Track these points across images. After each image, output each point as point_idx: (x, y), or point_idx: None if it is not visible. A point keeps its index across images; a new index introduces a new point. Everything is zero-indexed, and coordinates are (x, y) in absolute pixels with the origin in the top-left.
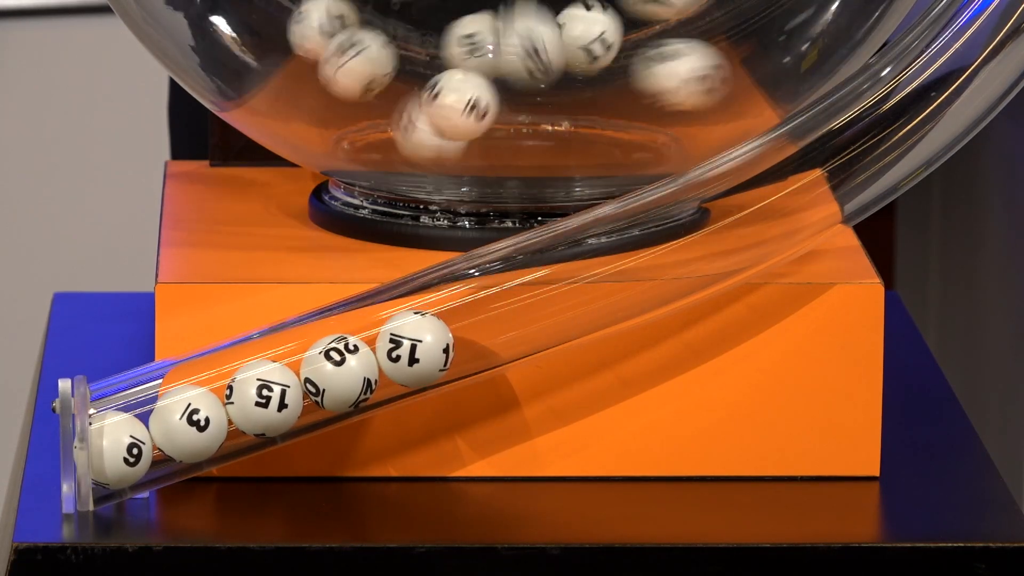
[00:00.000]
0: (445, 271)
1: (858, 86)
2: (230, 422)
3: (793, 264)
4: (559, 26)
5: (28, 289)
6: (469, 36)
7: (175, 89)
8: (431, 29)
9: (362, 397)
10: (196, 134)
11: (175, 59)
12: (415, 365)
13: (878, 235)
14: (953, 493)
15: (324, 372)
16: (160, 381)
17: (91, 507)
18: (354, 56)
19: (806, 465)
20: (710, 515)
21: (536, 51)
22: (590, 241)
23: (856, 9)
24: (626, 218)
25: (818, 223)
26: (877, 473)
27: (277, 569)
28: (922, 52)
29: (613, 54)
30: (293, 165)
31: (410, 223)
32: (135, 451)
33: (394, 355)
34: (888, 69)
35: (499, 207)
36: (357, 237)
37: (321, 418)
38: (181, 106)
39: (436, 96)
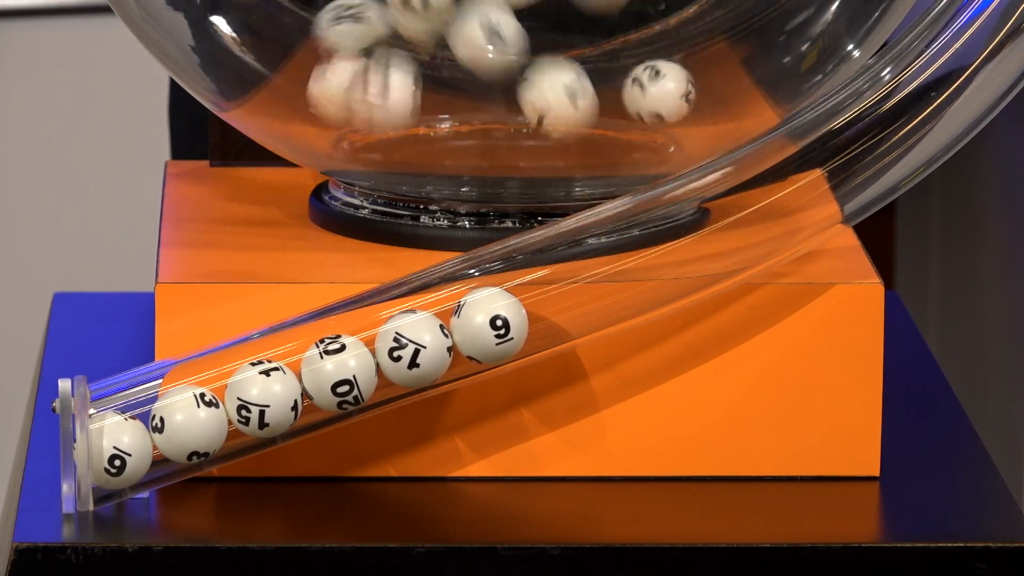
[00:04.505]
0: (445, 271)
1: (858, 86)
2: (230, 422)
3: (793, 264)
4: None
5: (28, 289)
6: None
7: (175, 89)
8: None
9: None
10: (196, 134)
11: (175, 59)
12: (414, 369)
13: (878, 235)
14: (953, 493)
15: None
16: (160, 381)
17: (91, 507)
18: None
19: (806, 465)
20: (710, 515)
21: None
22: (590, 241)
23: (856, 9)
24: (626, 218)
25: (818, 223)
26: (877, 473)
27: (277, 569)
28: (922, 52)
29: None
30: (293, 165)
31: (410, 223)
32: (117, 462)
33: (395, 355)
34: (888, 69)
35: (499, 207)
36: (357, 237)
37: (321, 418)
38: (181, 106)
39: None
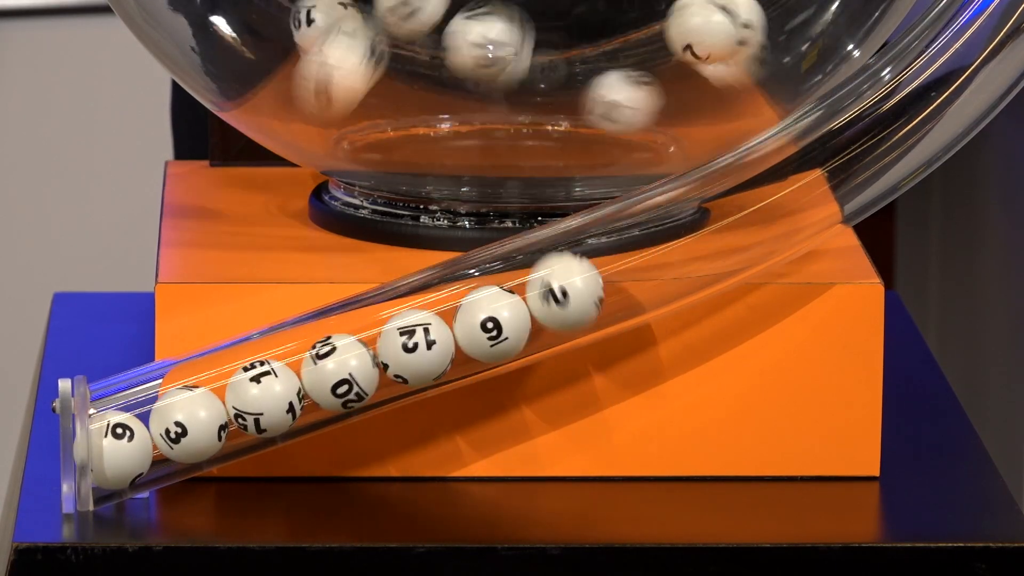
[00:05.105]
0: (445, 271)
1: (858, 86)
2: (230, 423)
3: (793, 264)
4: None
5: (28, 289)
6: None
7: (178, 90)
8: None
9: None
10: (198, 135)
11: (175, 59)
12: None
13: (878, 235)
14: (953, 493)
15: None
16: (160, 381)
17: (91, 507)
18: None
19: (806, 465)
20: (710, 515)
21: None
22: (590, 241)
23: (856, 9)
24: (626, 218)
25: (818, 223)
26: (877, 473)
27: (277, 569)
28: (922, 52)
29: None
30: (293, 165)
31: (410, 223)
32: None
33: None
34: (888, 69)
35: (499, 207)
36: (357, 237)
37: (321, 418)
38: (184, 107)
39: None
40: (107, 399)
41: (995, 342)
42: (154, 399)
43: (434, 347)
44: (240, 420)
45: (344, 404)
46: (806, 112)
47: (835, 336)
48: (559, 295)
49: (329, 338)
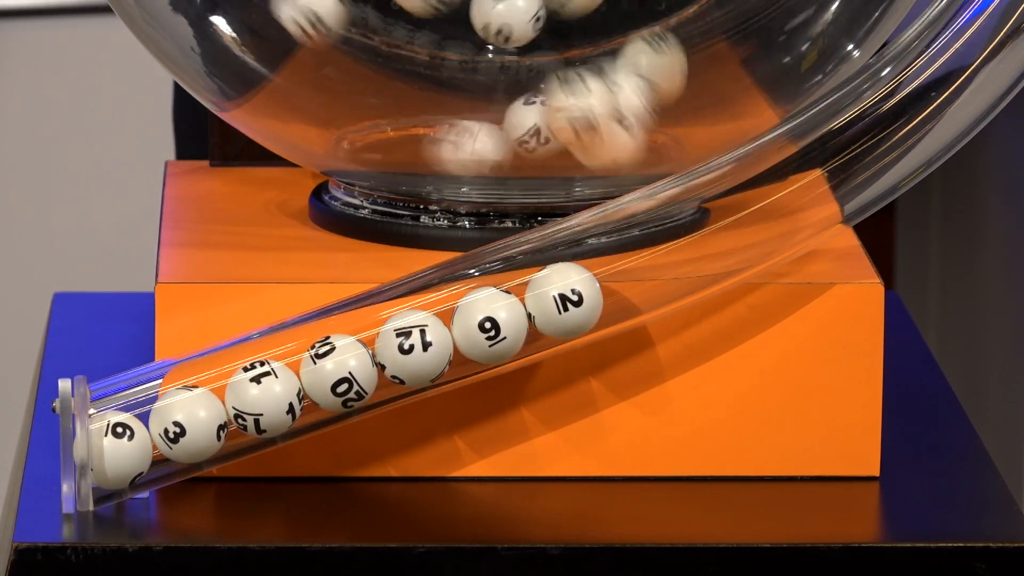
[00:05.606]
0: (445, 271)
1: (858, 86)
2: (230, 423)
3: (793, 264)
4: None
5: (28, 289)
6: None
7: (180, 91)
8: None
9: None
10: (200, 136)
11: (175, 59)
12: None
13: (878, 235)
14: (953, 493)
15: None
16: (160, 381)
17: (91, 507)
18: None
19: (806, 465)
20: (710, 515)
21: None
22: (590, 241)
23: (856, 9)
24: (626, 218)
25: (818, 223)
26: (877, 473)
27: (277, 569)
28: (922, 52)
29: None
30: (293, 165)
31: (410, 223)
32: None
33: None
34: (888, 69)
35: (499, 207)
36: (357, 237)
37: (321, 418)
38: (186, 108)
39: None
40: (107, 399)
41: (995, 342)
42: (154, 399)
43: (431, 348)
44: (240, 420)
45: (344, 403)
46: (806, 112)
47: (835, 336)
48: (573, 298)
49: (328, 338)
